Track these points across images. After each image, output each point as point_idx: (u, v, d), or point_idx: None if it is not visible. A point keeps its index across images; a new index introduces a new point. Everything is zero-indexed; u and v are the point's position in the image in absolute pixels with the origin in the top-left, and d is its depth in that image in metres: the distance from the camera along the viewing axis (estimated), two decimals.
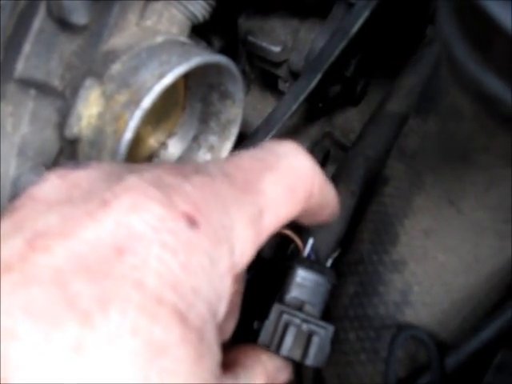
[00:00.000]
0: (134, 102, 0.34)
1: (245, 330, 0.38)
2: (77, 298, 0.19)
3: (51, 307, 0.19)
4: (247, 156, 0.28)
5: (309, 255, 0.44)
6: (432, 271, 0.39)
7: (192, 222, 0.22)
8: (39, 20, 0.34)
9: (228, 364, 0.29)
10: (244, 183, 0.26)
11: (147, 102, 0.34)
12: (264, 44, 0.57)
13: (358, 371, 0.42)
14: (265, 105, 0.67)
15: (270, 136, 0.53)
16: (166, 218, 0.22)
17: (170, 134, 0.49)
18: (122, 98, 0.35)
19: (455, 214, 0.37)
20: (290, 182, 0.28)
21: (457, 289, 0.39)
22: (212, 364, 0.23)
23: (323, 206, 0.31)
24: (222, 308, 0.24)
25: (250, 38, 0.57)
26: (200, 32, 0.54)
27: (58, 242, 0.20)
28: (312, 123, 0.68)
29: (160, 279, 0.21)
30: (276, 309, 0.36)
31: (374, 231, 0.43)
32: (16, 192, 0.37)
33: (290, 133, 0.66)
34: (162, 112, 0.48)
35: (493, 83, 0.25)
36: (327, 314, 0.39)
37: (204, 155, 0.48)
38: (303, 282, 0.39)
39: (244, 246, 0.25)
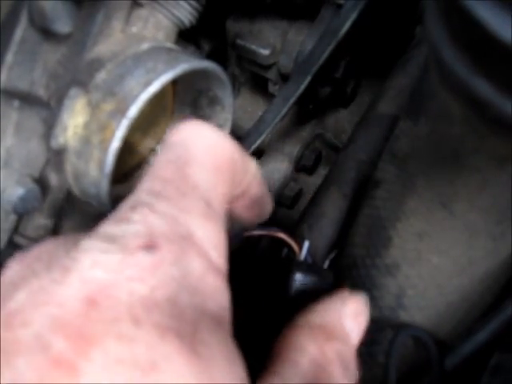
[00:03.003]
0: (121, 111, 0.34)
1: (244, 340, 0.37)
2: (60, 355, 0.20)
3: (39, 372, 0.20)
4: (164, 164, 0.28)
5: (305, 258, 0.44)
6: (426, 274, 0.39)
7: (150, 247, 0.23)
8: (21, 29, 0.33)
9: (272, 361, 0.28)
10: (177, 191, 0.26)
11: (133, 110, 0.34)
12: (253, 47, 0.56)
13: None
14: (255, 107, 0.67)
15: (261, 139, 0.52)
16: (125, 259, 0.23)
17: (160, 141, 0.49)
18: (108, 106, 0.34)
19: (448, 216, 0.37)
20: (210, 161, 0.28)
21: (451, 291, 0.39)
22: (223, 366, 0.23)
23: (246, 170, 0.31)
24: (219, 305, 0.24)
25: (239, 41, 0.57)
26: (189, 36, 0.54)
27: (32, 312, 0.21)
28: (303, 125, 0.67)
29: (133, 307, 0.22)
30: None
31: (367, 235, 0.42)
32: (2, 205, 0.36)
33: (282, 135, 0.66)
34: (151, 118, 0.47)
35: (481, 86, 0.24)
36: None
37: None
38: (301, 286, 0.39)
39: (213, 240, 0.26)
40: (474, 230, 0.36)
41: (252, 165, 0.32)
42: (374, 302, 0.40)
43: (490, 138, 0.29)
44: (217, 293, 0.25)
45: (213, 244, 0.25)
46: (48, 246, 0.27)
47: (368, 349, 0.40)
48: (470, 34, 0.23)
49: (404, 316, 0.39)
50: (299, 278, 0.39)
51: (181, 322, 0.22)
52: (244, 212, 0.34)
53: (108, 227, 0.25)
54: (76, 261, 0.23)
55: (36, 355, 0.20)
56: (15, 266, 0.26)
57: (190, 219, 0.25)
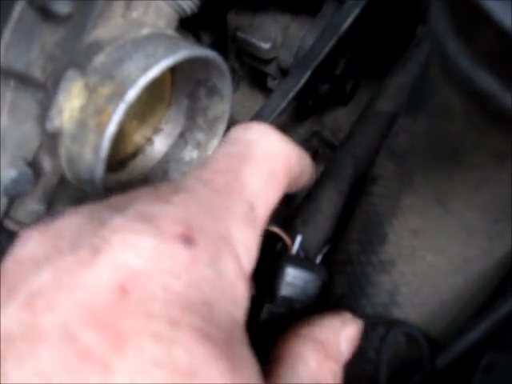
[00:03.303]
0: (118, 95, 0.33)
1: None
2: (90, 349, 0.19)
3: (66, 365, 0.18)
4: (220, 156, 0.27)
5: (297, 252, 0.44)
6: (420, 271, 0.39)
7: (187, 240, 0.22)
8: (19, 8, 0.32)
9: (272, 363, 0.28)
10: (226, 186, 0.25)
11: (131, 94, 0.33)
12: (253, 40, 0.56)
13: (345, 372, 0.41)
14: (253, 102, 0.66)
15: None
16: (159, 246, 0.21)
17: (156, 130, 0.48)
18: (106, 90, 0.33)
19: (444, 213, 0.36)
20: (268, 167, 0.28)
21: (445, 289, 0.38)
22: (250, 373, 0.22)
23: (303, 172, 0.32)
24: (240, 312, 0.24)
25: (240, 34, 0.57)
26: (189, 27, 0.53)
27: (57, 297, 0.20)
28: (301, 122, 0.67)
29: (169, 305, 0.20)
30: (267, 309, 0.36)
31: (363, 231, 0.42)
32: None
33: (279, 131, 0.65)
34: (148, 107, 0.46)
35: (484, 79, 0.24)
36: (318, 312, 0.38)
37: (191, 152, 0.47)
38: (293, 281, 0.39)
39: (247, 247, 0.25)
40: (470, 228, 0.36)
41: (308, 164, 0.32)
42: (367, 299, 0.40)
43: (490, 134, 0.29)
44: (243, 300, 0.24)
45: (247, 250, 0.25)
46: (71, 221, 0.24)
47: (360, 345, 0.40)
48: (475, 25, 0.23)
49: (397, 313, 0.39)
50: (290, 272, 0.38)
51: (216, 328, 0.21)
52: (293, 189, 0.34)
53: (143, 205, 0.23)
54: (106, 241, 0.21)
55: (62, 346, 0.19)
56: (35, 240, 0.23)
57: (231, 219, 0.24)
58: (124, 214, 0.23)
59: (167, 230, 0.22)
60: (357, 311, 0.41)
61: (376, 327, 0.39)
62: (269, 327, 0.37)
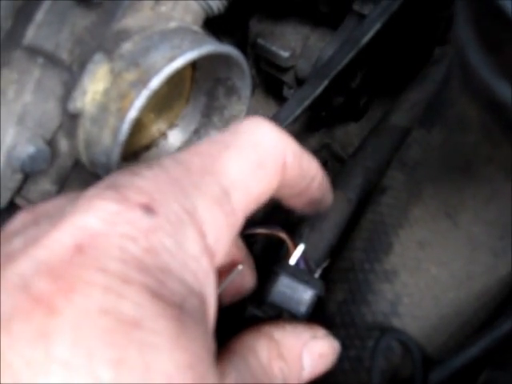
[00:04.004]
0: (142, 82, 0.34)
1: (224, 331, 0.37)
2: (40, 294, 0.20)
3: (17, 308, 0.20)
4: (204, 141, 0.27)
5: (297, 262, 0.43)
6: (423, 284, 0.39)
7: (148, 209, 0.23)
8: None
9: (226, 354, 0.28)
10: (201, 167, 0.25)
11: (155, 82, 0.34)
12: (273, 48, 0.57)
13: (340, 380, 0.41)
14: (267, 110, 0.67)
15: None
16: (120, 212, 0.22)
17: (172, 125, 0.49)
18: (130, 76, 0.34)
19: (451, 227, 0.37)
20: (255, 156, 0.27)
21: (446, 304, 0.39)
22: (197, 343, 0.22)
23: (305, 176, 0.30)
24: (205, 289, 0.24)
25: (260, 41, 0.58)
26: (210, 31, 0.54)
27: (21, 254, 0.21)
28: (312, 133, 0.68)
29: (123, 263, 0.21)
30: (249, 313, 0.35)
31: (368, 239, 0.42)
32: (10, 162, 0.36)
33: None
34: (166, 102, 0.47)
35: (504, 90, 0.25)
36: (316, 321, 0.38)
37: None
38: (284, 290, 0.37)
39: (215, 228, 0.25)
40: (476, 243, 0.36)
41: (313, 168, 0.31)
42: (368, 307, 0.40)
43: (504, 146, 0.29)
44: (207, 276, 0.24)
45: (214, 230, 0.25)
46: (57, 201, 0.26)
47: (357, 353, 0.40)
48: (498, 35, 0.24)
49: (397, 323, 0.39)
50: (283, 281, 0.37)
51: (170, 292, 0.22)
52: (302, 207, 0.34)
53: (117, 176, 0.25)
54: (74, 206, 0.23)
55: (16, 292, 0.20)
56: (21, 217, 0.26)
57: (200, 198, 0.24)
58: (98, 185, 0.24)
59: (131, 197, 0.23)
60: (357, 318, 0.41)
61: (372, 334, 0.39)
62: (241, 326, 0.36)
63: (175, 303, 0.22)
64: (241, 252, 0.35)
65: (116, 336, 0.20)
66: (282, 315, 0.37)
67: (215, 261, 0.25)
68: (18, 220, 0.26)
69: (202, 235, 0.24)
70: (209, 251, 0.24)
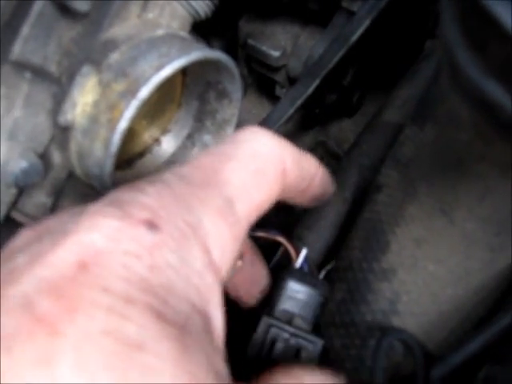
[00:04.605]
0: (131, 92, 0.34)
1: (238, 342, 0.37)
2: (43, 314, 0.20)
3: (20, 328, 0.19)
4: (204, 154, 0.28)
5: (301, 266, 0.43)
6: (421, 281, 0.39)
7: (152, 225, 0.23)
8: (40, 3, 0.33)
9: None
10: (203, 180, 0.25)
11: (144, 92, 0.34)
12: (263, 48, 0.57)
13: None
14: (260, 110, 0.67)
15: None
16: (124, 229, 0.22)
17: (164, 131, 0.49)
18: (119, 87, 0.34)
19: (447, 224, 0.37)
20: (255, 165, 0.27)
21: (445, 300, 0.39)
22: (201, 363, 0.22)
23: (305, 177, 0.31)
24: (211, 305, 0.24)
25: (250, 41, 0.57)
26: (200, 33, 0.54)
27: (23, 273, 0.21)
28: (306, 131, 0.68)
29: (127, 282, 0.21)
30: (264, 322, 0.36)
31: (365, 239, 0.42)
32: (4, 177, 0.36)
33: (285, 139, 0.66)
34: (158, 108, 0.47)
35: (493, 89, 0.25)
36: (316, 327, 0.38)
37: (198, 154, 0.48)
38: (294, 295, 0.38)
39: (220, 241, 0.25)
40: (472, 239, 0.36)
41: (312, 168, 0.31)
42: (367, 306, 0.40)
43: (495, 144, 0.29)
44: (211, 291, 0.24)
45: (219, 243, 0.24)
46: (59, 217, 0.26)
47: (358, 352, 0.40)
48: (485, 34, 0.24)
49: (396, 321, 0.39)
50: (292, 287, 0.38)
51: (173, 311, 0.22)
52: (306, 203, 0.34)
53: (119, 193, 0.24)
54: (76, 223, 0.23)
55: (19, 312, 0.20)
56: (25, 234, 0.25)
57: (203, 211, 0.24)
58: (100, 202, 0.24)
59: (134, 214, 0.23)
60: (356, 318, 0.41)
61: (373, 334, 0.39)
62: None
63: (178, 323, 0.21)
64: (247, 248, 0.35)
65: (119, 359, 0.19)
66: (293, 320, 0.37)
67: (221, 275, 0.25)
68: (21, 237, 0.25)
69: (207, 250, 0.24)
70: (214, 266, 0.24)
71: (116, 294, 0.21)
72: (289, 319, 0.37)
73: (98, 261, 0.21)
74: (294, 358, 0.36)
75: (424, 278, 0.39)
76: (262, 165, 0.27)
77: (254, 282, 0.35)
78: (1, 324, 0.19)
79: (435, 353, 0.39)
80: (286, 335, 0.36)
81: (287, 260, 0.44)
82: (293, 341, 0.36)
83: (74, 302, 0.20)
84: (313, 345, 0.36)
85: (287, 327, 0.36)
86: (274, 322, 0.36)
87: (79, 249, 0.22)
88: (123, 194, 0.24)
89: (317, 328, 0.38)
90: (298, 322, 0.37)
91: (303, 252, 0.42)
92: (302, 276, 0.39)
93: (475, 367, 0.37)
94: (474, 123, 0.29)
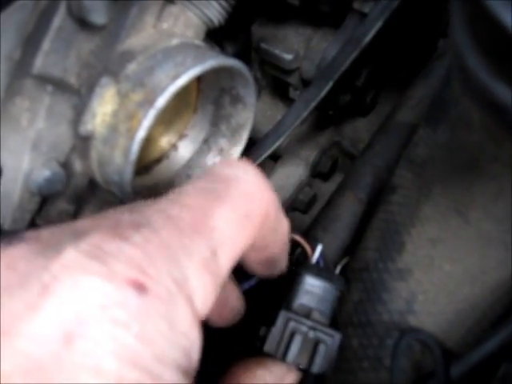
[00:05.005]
0: (149, 102, 0.35)
1: (251, 337, 0.38)
2: None
3: None
4: (193, 190, 0.26)
5: (317, 262, 0.44)
6: (437, 280, 0.39)
7: (139, 287, 0.21)
8: (59, 18, 0.34)
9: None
10: (192, 225, 0.24)
11: (161, 101, 0.35)
12: (276, 51, 0.57)
13: (360, 379, 0.42)
14: (275, 112, 0.68)
15: (279, 141, 0.53)
16: (110, 292, 0.21)
17: (181, 136, 0.50)
18: (137, 97, 0.35)
19: (462, 224, 0.37)
20: (243, 209, 0.26)
21: (462, 299, 0.39)
22: None
23: (277, 229, 0.30)
24: (193, 361, 0.23)
25: (263, 45, 0.58)
26: (214, 38, 0.55)
27: (2, 345, 0.19)
28: (321, 132, 0.68)
29: (118, 358, 0.20)
30: (283, 316, 0.36)
31: (381, 239, 0.43)
32: (28, 186, 0.37)
33: (299, 140, 0.67)
34: (175, 113, 0.48)
35: (503, 92, 0.25)
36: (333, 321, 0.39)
37: (214, 158, 0.49)
38: (311, 289, 0.39)
39: (203, 292, 0.24)
40: (487, 239, 0.36)
41: (284, 224, 0.31)
42: (384, 306, 0.41)
43: (508, 145, 0.29)
44: (195, 349, 0.23)
45: (203, 297, 0.24)
46: (25, 250, 0.23)
47: (375, 352, 0.41)
48: (494, 38, 0.24)
49: (413, 321, 0.39)
50: (309, 282, 0.39)
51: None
52: (256, 265, 0.33)
53: (100, 238, 0.22)
54: (55, 278, 0.20)
55: None
56: (9, 255, 0.22)
57: (189, 263, 0.23)
58: (78, 246, 0.22)
59: (120, 271, 0.21)
60: (373, 317, 0.41)
61: (391, 333, 0.40)
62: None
63: None
64: None
65: None
66: (311, 314, 0.38)
67: (200, 321, 0.24)
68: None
69: (192, 305, 0.23)
70: (197, 317, 0.24)
71: (107, 374, 0.19)
72: (307, 313, 0.38)
73: (85, 333, 0.20)
74: (312, 350, 0.36)
75: (440, 277, 0.39)
76: (249, 208, 0.27)
77: (225, 304, 0.35)
78: None
79: (454, 350, 0.39)
80: (304, 329, 0.36)
81: (304, 258, 0.44)
82: (311, 334, 0.36)
83: None
84: (331, 338, 0.36)
85: (305, 321, 0.36)
86: (293, 315, 0.36)
87: (62, 317, 0.20)
88: (106, 243, 0.22)
89: (334, 322, 0.38)
90: (315, 315, 0.38)
91: (319, 248, 0.43)
92: (318, 271, 0.40)
93: (493, 365, 0.37)
94: (485, 125, 0.29)
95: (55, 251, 0.22)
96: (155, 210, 0.24)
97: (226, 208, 0.26)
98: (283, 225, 0.30)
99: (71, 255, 0.21)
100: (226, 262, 0.25)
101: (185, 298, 0.23)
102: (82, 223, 0.24)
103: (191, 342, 0.23)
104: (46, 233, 0.24)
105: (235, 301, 0.35)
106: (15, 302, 0.20)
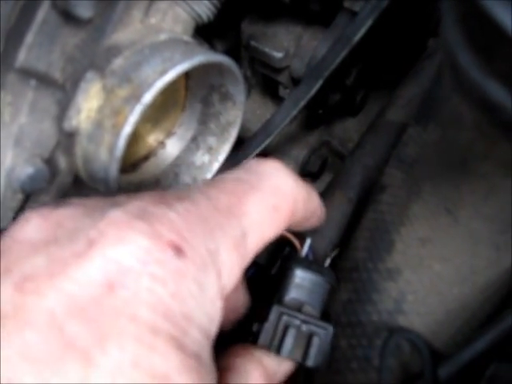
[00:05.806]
0: (135, 97, 0.34)
1: (244, 333, 0.37)
2: (74, 340, 0.20)
3: (49, 351, 0.19)
4: (230, 178, 0.29)
5: (307, 255, 0.44)
6: (427, 280, 0.39)
7: (178, 250, 0.23)
8: (43, 11, 0.33)
9: (221, 370, 0.29)
10: (227, 207, 0.27)
11: (148, 97, 0.34)
12: (266, 49, 0.57)
13: (349, 379, 0.41)
14: (264, 110, 0.67)
15: (268, 140, 0.53)
16: (152, 250, 0.22)
17: (169, 134, 0.49)
18: (123, 92, 0.34)
19: (452, 223, 0.37)
20: (273, 201, 0.29)
21: (451, 299, 0.39)
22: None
23: (308, 217, 0.33)
24: (214, 329, 0.25)
25: (253, 43, 0.58)
26: (203, 35, 0.54)
27: (47, 284, 0.21)
28: (311, 131, 0.68)
29: (153, 310, 0.22)
30: (275, 310, 0.36)
31: (370, 239, 0.42)
32: (11, 183, 0.36)
33: (289, 139, 0.66)
34: (162, 111, 0.47)
35: (495, 90, 0.25)
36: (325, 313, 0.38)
37: (202, 156, 0.48)
38: (302, 283, 0.39)
39: (230, 270, 0.26)
40: (477, 238, 0.36)
41: (316, 207, 0.34)
42: (373, 306, 0.40)
43: (499, 143, 0.29)
44: (218, 318, 0.25)
45: (230, 272, 0.26)
46: (73, 211, 0.25)
47: (364, 352, 0.40)
48: (486, 36, 0.24)
49: (403, 321, 0.39)
50: (299, 275, 0.38)
51: (191, 340, 0.22)
52: (297, 230, 0.36)
53: (146, 202, 0.24)
54: (101, 234, 0.22)
55: (48, 332, 0.19)
56: (36, 224, 0.24)
57: (222, 239, 0.25)
58: (124, 208, 0.24)
59: (163, 233, 0.23)
60: (362, 317, 0.41)
61: (380, 333, 0.39)
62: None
63: (195, 353, 0.22)
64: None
65: None
66: (302, 307, 0.38)
67: (225, 297, 0.26)
68: (33, 228, 0.24)
69: (220, 277, 0.25)
70: (222, 291, 0.25)
71: (143, 323, 0.21)
72: (298, 307, 0.38)
73: (125, 282, 0.21)
74: (306, 344, 0.36)
75: (430, 277, 0.39)
76: (279, 201, 0.29)
77: (233, 308, 0.36)
78: (29, 342, 0.19)
79: (442, 352, 0.39)
80: (297, 322, 0.36)
81: (293, 252, 0.44)
82: (304, 327, 0.36)
83: (104, 330, 0.20)
84: (324, 330, 0.36)
85: (298, 314, 0.36)
86: (285, 310, 0.36)
87: (106, 266, 0.21)
88: (151, 207, 0.24)
89: (326, 315, 0.38)
90: (307, 309, 0.38)
91: (308, 241, 0.43)
92: (308, 264, 0.40)
93: (482, 365, 0.37)
94: (477, 123, 0.29)
95: (101, 214, 0.23)
96: (196, 190, 0.27)
97: (258, 197, 0.28)
98: (315, 209, 0.33)
99: (118, 214, 0.23)
100: (253, 247, 0.27)
101: (215, 269, 0.25)
102: (121, 197, 0.26)
103: (215, 310, 0.25)
104: (90, 201, 0.26)
105: (242, 306, 0.37)
106: (63, 251, 0.22)
